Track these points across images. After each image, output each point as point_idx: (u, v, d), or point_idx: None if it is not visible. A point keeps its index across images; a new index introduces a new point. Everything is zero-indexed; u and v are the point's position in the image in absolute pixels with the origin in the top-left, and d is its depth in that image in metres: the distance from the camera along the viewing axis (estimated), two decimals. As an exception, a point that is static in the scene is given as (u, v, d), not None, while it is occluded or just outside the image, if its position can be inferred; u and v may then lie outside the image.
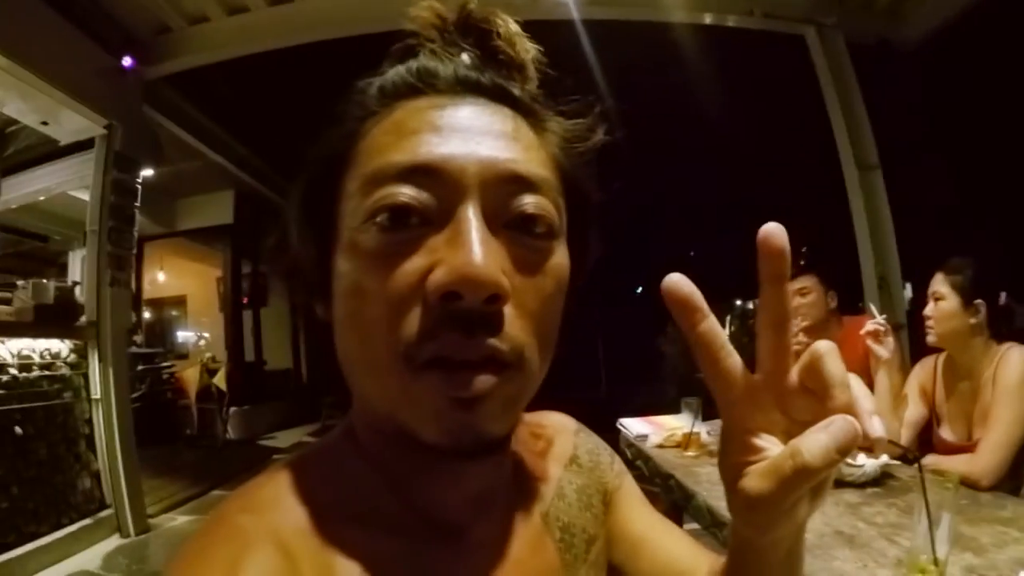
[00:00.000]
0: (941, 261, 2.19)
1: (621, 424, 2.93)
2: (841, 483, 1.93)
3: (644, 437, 2.73)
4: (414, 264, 0.48)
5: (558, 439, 0.78)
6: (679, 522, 2.62)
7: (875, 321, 2.25)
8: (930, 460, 2.09)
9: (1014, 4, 4.79)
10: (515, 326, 0.48)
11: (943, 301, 2.08)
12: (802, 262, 2.77)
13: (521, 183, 0.50)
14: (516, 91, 0.56)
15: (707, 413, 2.70)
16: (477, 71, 0.55)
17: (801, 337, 2.64)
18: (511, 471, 0.66)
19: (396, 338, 0.47)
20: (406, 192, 0.48)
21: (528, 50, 0.59)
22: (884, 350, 2.21)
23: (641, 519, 0.78)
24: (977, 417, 2.06)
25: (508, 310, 0.48)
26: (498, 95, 0.55)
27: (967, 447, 2.03)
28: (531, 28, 0.60)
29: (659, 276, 0.46)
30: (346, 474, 0.57)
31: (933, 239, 5.19)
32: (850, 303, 2.80)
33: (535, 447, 0.74)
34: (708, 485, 2.11)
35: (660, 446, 2.62)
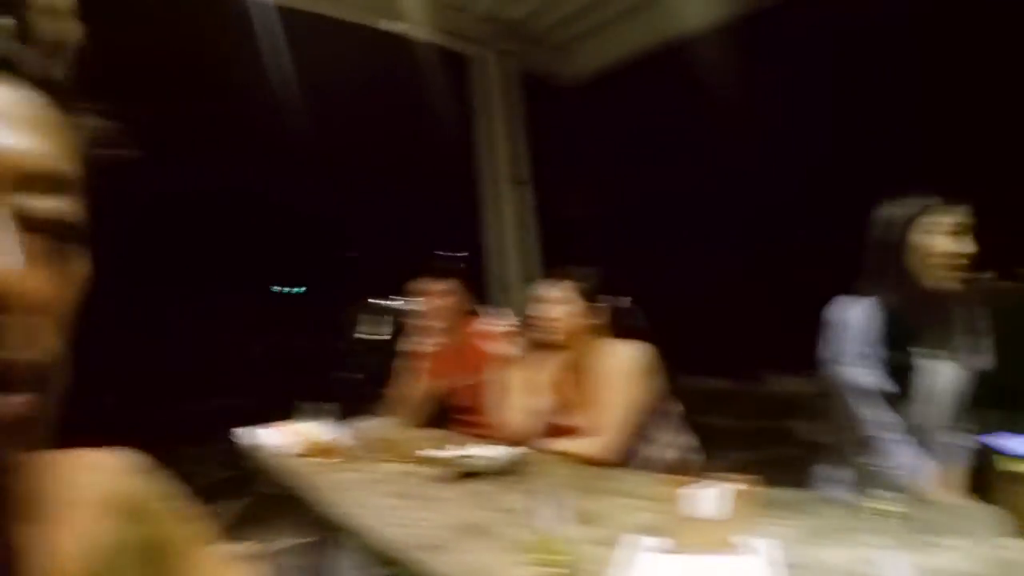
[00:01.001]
0: (577, 266, 2.37)
1: (247, 433, 2.63)
2: (471, 475, 1.93)
3: (276, 447, 2.47)
4: None
5: (106, 482, 0.61)
6: (327, 532, 2.44)
7: (504, 323, 2.34)
8: (557, 443, 2.21)
9: (657, 60, 5.78)
10: (43, 337, 0.42)
11: (565, 304, 2.24)
12: (441, 266, 2.83)
13: (51, 181, 0.44)
14: (52, 75, 0.47)
15: (344, 415, 2.57)
16: (8, 47, 0.45)
17: (429, 337, 2.68)
18: (41, 524, 0.53)
19: None
20: None
21: (74, 31, 0.50)
22: (507, 348, 2.37)
23: (210, 570, 0.67)
24: (595, 405, 2.23)
25: (35, 320, 0.42)
26: (31, 77, 0.46)
27: (588, 430, 2.20)
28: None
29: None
30: None
31: (573, 247, 5.82)
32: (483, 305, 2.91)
33: (76, 493, 0.58)
34: (342, 493, 1.95)
35: (294, 455, 2.39)
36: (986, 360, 1.85)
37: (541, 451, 2.21)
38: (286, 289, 13.18)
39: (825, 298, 1.89)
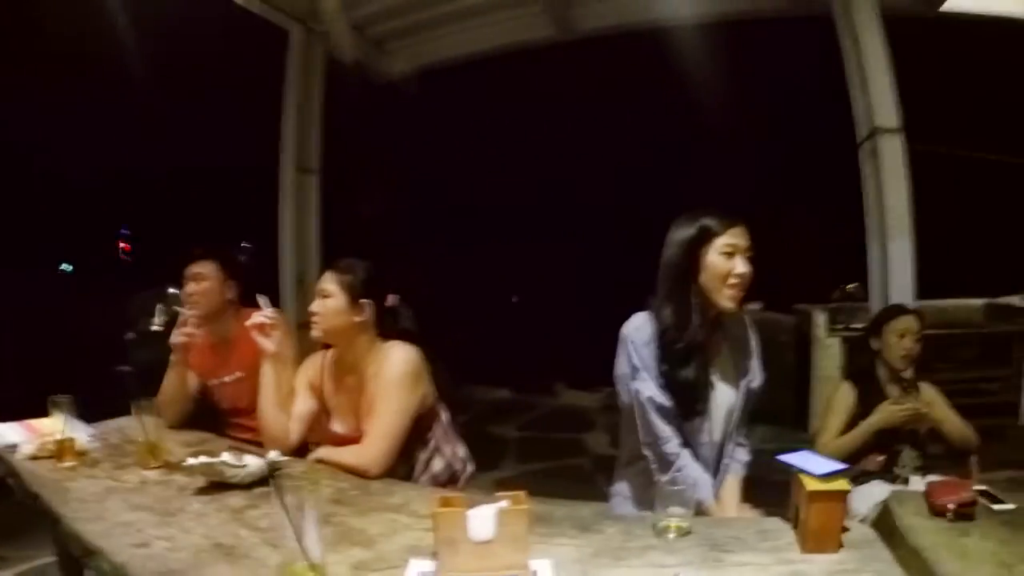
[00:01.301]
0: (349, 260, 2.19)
1: None
2: (225, 485, 1.73)
3: (14, 447, 2.12)
4: None
5: None
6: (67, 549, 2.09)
7: (262, 313, 2.15)
8: (322, 452, 2.05)
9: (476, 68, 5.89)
10: None
11: (330, 298, 2.04)
12: (201, 251, 2.59)
13: None
14: None
15: (90, 414, 2.25)
16: None
17: (191, 327, 2.40)
18: None
19: None
20: None
21: None
22: (270, 343, 2.13)
23: None
24: (364, 410, 2.05)
25: None
26: None
27: (356, 438, 2.04)
28: None
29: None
30: None
31: (361, 243, 5.73)
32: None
33: None
34: (78, 504, 1.68)
35: (33, 457, 2.05)
36: (757, 379, 1.94)
37: (304, 460, 2.03)
38: (65, 266, 11.69)
39: (625, 312, 1.90)
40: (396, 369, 2.00)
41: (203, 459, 1.74)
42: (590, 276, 8.94)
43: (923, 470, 2.47)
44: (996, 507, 1.48)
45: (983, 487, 1.53)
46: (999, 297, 6.30)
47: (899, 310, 2.70)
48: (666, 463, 1.78)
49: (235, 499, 1.67)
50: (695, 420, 1.83)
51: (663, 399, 1.78)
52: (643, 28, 5.91)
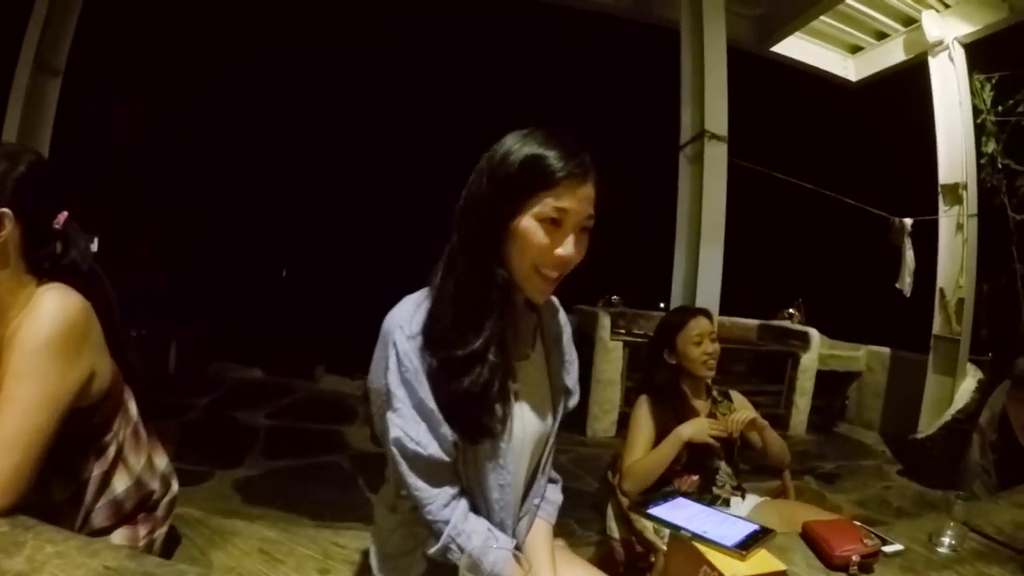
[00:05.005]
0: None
1: None
2: None
3: None
4: None
5: None
6: None
7: None
8: None
9: None
10: None
11: None
12: None
13: None
14: None
15: None
16: None
17: None
18: None
19: None
20: None
21: None
22: None
23: None
24: None
25: None
26: None
27: None
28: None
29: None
30: None
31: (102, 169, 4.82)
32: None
33: None
34: None
35: None
36: (576, 395, 1.38)
37: None
38: None
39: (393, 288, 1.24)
40: (40, 331, 1.15)
41: None
42: (368, 251, 8.27)
43: (739, 489, 2.23)
44: (887, 549, 1.30)
45: (862, 526, 1.31)
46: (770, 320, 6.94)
47: (687, 312, 2.36)
48: (431, 531, 1.15)
49: None
50: (487, 450, 1.17)
51: (421, 444, 1.10)
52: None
